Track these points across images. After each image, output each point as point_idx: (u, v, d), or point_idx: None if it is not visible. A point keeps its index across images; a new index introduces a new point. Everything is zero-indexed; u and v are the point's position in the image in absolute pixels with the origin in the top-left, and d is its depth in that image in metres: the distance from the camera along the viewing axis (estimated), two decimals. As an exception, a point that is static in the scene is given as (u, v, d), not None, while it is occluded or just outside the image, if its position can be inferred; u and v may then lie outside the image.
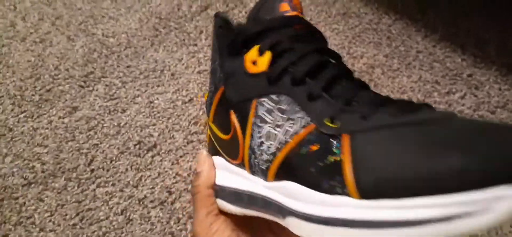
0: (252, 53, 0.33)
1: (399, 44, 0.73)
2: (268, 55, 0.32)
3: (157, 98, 0.65)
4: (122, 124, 0.62)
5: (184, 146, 0.59)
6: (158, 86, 0.67)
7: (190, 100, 0.65)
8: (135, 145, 0.60)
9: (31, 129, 0.62)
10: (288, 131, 0.30)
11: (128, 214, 0.53)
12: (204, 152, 0.38)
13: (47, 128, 0.62)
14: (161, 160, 0.58)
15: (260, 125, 0.31)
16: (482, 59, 0.70)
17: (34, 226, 0.53)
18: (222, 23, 0.36)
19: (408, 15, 0.77)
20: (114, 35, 0.75)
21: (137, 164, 0.58)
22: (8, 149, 0.60)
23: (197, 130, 0.61)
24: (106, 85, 0.67)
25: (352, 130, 0.27)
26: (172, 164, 0.57)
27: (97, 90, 0.67)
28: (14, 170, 0.57)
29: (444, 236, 0.21)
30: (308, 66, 0.31)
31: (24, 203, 0.54)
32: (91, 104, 0.65)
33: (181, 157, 0.58)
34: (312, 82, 0.31)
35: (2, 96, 0.66)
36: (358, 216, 0.24)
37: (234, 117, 0.34)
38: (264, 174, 0.31)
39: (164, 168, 0.57)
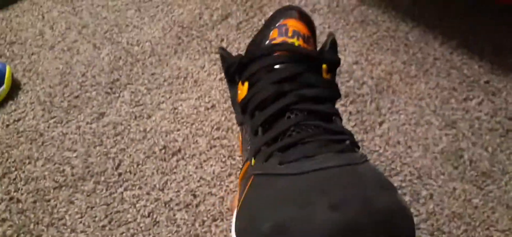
0: (241, 83, 0.36)
1: (417, 51, 0.74)
2: (246, 85, 0.35)
3: (181, 105, 0.67)
4: (147, 129, 0.64)
5: (208, 150, 0.61)
6: (181, 93, 0.69)
7: (213, 106, 0.67)
8: (160, 150, 0.62)
9: (60, 134, 0.65)
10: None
11: (154, 216, 0.55)
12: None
13: (75, 133, 0.65)
14: (185, 164, 0.60)
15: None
16: (499, 66, 0.71)
17: (65, 227, 0.55)
18: (224, 54, 0.39)
19: (425, 22, 0.79)
20: (138, 43, 0.78)
21: (162, 168, 0.60)
22: (39, 153, 0.63)
23: (220, 135, 0.63)
24: (132, 92, 0.70)
25: (257, 173, 0.29)
26: (196, 168, 0.59)
27: (123, 96, 0.69)
28: (46, 173, 0.60)
29: None
30: (259, 99, 0.33)
31: (56, 205, 0.57)
32: (117, 110, 0.67)
33: (204, 161, 0.60)
34: (259, 115, 0.33)
35: (33, 102, 0.69)
36: None
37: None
38: None
39: (189, 172, 0.59)
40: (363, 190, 0.25)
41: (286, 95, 0.33)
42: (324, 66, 0.36)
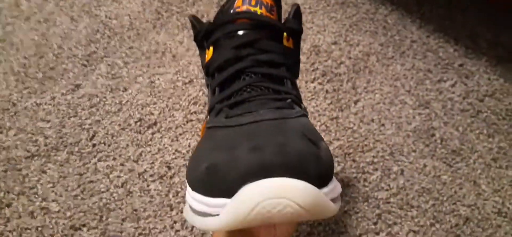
0: (207, 48, 0.39)
1: (394, 33, 0.75)
2: (211, 50, 0.39)
3: (158, 79, 0.67)
4: (123, 102, 0.64)
5: (184, 124, 0.61)
6: (159, 67, 0.69)
7: (190, 81, 0.67)
8: (136, 122, 0.61)
9: (34, 104, 0.64)
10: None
11: (128, 186, 0.55)
12: None
13: (50, 104, 0.64)
14: (161, 137, 0.60)
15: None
16: (474, 51, 0.72)
17: (36, 196, 0.55)
18: (194, 21, 0.42)
19: (404, 6, 0.79)
20: (117, 17, 0.77)
21: (137, 140, 0.60)
22: (11, 122, 0.62)
23: (196, 109, 0.63)
24: (109, 65, 0.69)
25: (210, 125, 0.34)
26: (172, 141, 0.59)
27: (99, 69, 0.68)
28: (18, 143, 0.59)
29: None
30: (218, 62, 0.37)
31: (27, 174, 0.56)
32: (93, 82, 0.67)
33: (180, 134, 0.60)
34: (217, 76, 0.37)
35: (6, 73, 0.68)
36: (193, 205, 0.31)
37: None
38: None
39: (164, 145, 0.59)
40: (282, 136, 0.30)
41: (242, 60, 0.37)
42: (284, 34, 0.39)
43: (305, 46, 0.72)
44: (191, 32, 0.73)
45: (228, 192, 0.28)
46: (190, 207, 0.31)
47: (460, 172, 0.57)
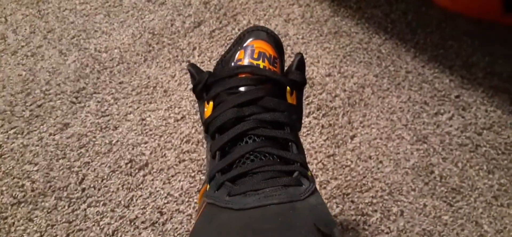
0: (206, 102, 0.37)
1: (389, 64, 0.74)
2: (211, 105, 0.36)
3: (149, 116, 0.65)
4: (113, 142, 0.62)
5: (176, 165, 0.59)
6: (150, 103, 0.67)
7: (183, 118, 0.65)
8: (126, 164, 0.60)
9: (21, 145, 0.62)
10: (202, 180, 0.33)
11: (119, 235, 0.53)
12: None
13: (37, 145, 0.62)
14: (152, 179, 0.58)
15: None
16: (469, 81, 0.71)
17: (23, 245, 0.52)
18: (192, 70, 0.39)
19: (397, 35, 0.79)
20: (106, 50, 0.75)
21: (128, 183, 0.58)
22: (-3, 165, 0.59)
23: (189, 148, 0.61)
24: (98, 102, 0.67)
25: (208, 201, 0.31)
26: (164, 184, 0.57)
27: (89, 106, 0.67)
28: (3, 188, 0.57)
29: None
30: (219, 122, 0.35)
31: (13, 223, 0.54)
32: (82, 121, 0.65)
33: (172, 176, 0.58)
34: (218, 139, 0.34)
35: (-8, 111, 0.66)
36: None
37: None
38: None
39: (156, 188, 0.57)
40: (293, 233, 0.28)
41: (245, 120, 0.35)
42: (288, 88, 0.37)
43: (299, 78, 0.71)
44: (183, 65, 0.72)
45: None
46: None
47: (461, 212, 0.55)
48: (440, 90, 0.70)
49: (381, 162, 0.60)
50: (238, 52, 0.37)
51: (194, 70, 0.39)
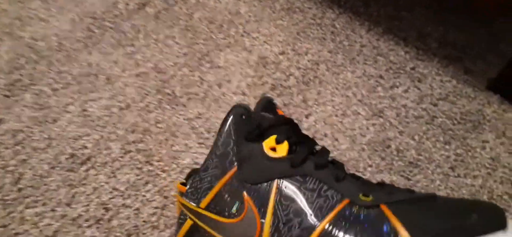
0: (270, 141, 0.38)
1: (343, 38, 0.72)
2: (286, 144, 0.38)
3: (91, 106, 0.61)
4: (53, 136, 0.57)
5: (121, 157, 0.55)
6: (92, 92, 0.62)
7: (127, 106, 0.61)
8: (67, 159, 0.55)
9: (-51, 146, 0.56)
10: (321, 206, 0.33)
11: (60, 236, 0.49)
12: None
13: (-33, 145, 0.56)
14: (96, 174, 0.54)
15: (285, 203, 0.35)
16: (424, 52, 0.70)
17: (-47, 256, 0.48)
18: (244, 112, 0.41)
19: (351, 9, 0.77)
20: (43, 38, 0.70)
21: (70, 179, 0.53)
22: None
23: (135, 138, 0.57)
24: (35, 94, 0.62)
25: (386, 201, 0.33)
26: (109, 178, 0.53)
27: (24, 99, 0.61)
28: None
29: None
30: (326, 156, 0.38)
31: None
32: (18, 115, 0.59)
33: (117, 169, 0.54)
34: (333, 167, 0.37)
35: None
36: None
37: (248, 198, 0.36)
38: None
39: (100, 182, 0.53)
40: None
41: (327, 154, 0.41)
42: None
43: (251, 58, 0.68)
44: (127, 49, 0.67)
45: None
46: None
47: (419, 185, 0.54)
48: (395, 62, 0.68)
49: (336, 139, 0.58)
50: (278, 109, 0.43)
51: (245, 111, 0.42)
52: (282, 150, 0.38)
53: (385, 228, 0.31)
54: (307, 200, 0.34)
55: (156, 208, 0.51)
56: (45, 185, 0.53)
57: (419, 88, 0.65)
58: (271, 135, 0.39)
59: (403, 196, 0.33)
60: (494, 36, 0.74)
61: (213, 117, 0.60)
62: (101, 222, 0.50)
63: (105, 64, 0.66)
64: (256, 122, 0.40)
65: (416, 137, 0.59)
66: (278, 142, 0.38)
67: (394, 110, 0.62)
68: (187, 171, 0.54)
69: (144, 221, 0.50)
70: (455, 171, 0.56)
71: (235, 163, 0.39)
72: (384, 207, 0.32)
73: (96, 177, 0.53)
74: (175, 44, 0.69)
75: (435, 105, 0.63)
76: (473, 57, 0.70)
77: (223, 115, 0.59)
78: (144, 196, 0.52)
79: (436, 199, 0.33)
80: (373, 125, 0.60)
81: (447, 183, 0.55)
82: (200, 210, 0.39)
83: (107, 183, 0.53)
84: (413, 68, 0.68)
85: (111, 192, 0.52)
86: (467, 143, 0.59)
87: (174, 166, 0.55)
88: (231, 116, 0.41)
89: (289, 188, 0.35)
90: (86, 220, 0.50)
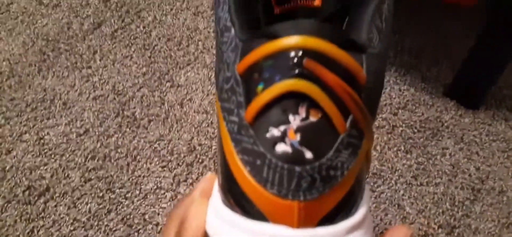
0: None
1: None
2: None
3: (48, 133, 0.58)
4: (7, 168, 0.55)
5: (82, 185, 0.53)
6: (48, 119, 0.60)
7: (86, 131, 0.59)
8: (24, 191, 0.53)
9: None
10: None
11: (18, 275, 0.47)
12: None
13: None
14: (55, 205, 0.52)
15: None
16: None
17: None
18: None
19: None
20: (-7, 63, 0.67)
21: (27, 213, 0.51)
22: None
23: (95, 165, 0.55)
24: (-14, 124, 0.59)
25: None
26: (69, 209, 0.51)
27: (-26, 130, 0.58)
28: None
29: None
30: None
31: None
32: (-33, 148, 0.56)
33: (78, 198, 0.52)
34: None
35: None
36: None
37: None
38: None
39: (60, 214, 0.51)
40: None
41: None
42: None
43: (213, 75, 0.67)
44: (83, 72, 0.65)
45: None
46: None
47: (383, 196, 0.55)
48: (355, 73, 0.69)
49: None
50: None
51: None
52: None
53: None
54: None
55: (120, 237, 0.49)
56: (0, 221, 0.50)
57: (379, 98, 0.66)
58: None
59: None
60: (444, 38, 0.76)
61: (176, 138, 0.59)
62: (62, 257, 0.48)
63: (61, 89, 0.63)
64: None
65: (378, 148, 0.60)
66: None
67: (356, 122, 0.63)
68: (151, 196, 0.53)
69: None
70: (418, 180, 0.57)
71: None
72: None
73: (55, 209, 0.51)
74: (133, 64, 0.68)
75: (395, 114, 0.64)
76: (428, 64, 0.72)
77: (186, 137, 0.58)
78: (107, 225, 0.50)
79: None
80: (336, 137, 0.61)
81: (411, 192, 0.56)
82: None
83: (67, 214, 0.51)
84: (372, 78, 0.69)
85: (72, 224, 0.50)
86: (428, 151, 0.60)
87: (137, 191, 0.53)
88: None
89: None
90: (46, 256, 0.48)
